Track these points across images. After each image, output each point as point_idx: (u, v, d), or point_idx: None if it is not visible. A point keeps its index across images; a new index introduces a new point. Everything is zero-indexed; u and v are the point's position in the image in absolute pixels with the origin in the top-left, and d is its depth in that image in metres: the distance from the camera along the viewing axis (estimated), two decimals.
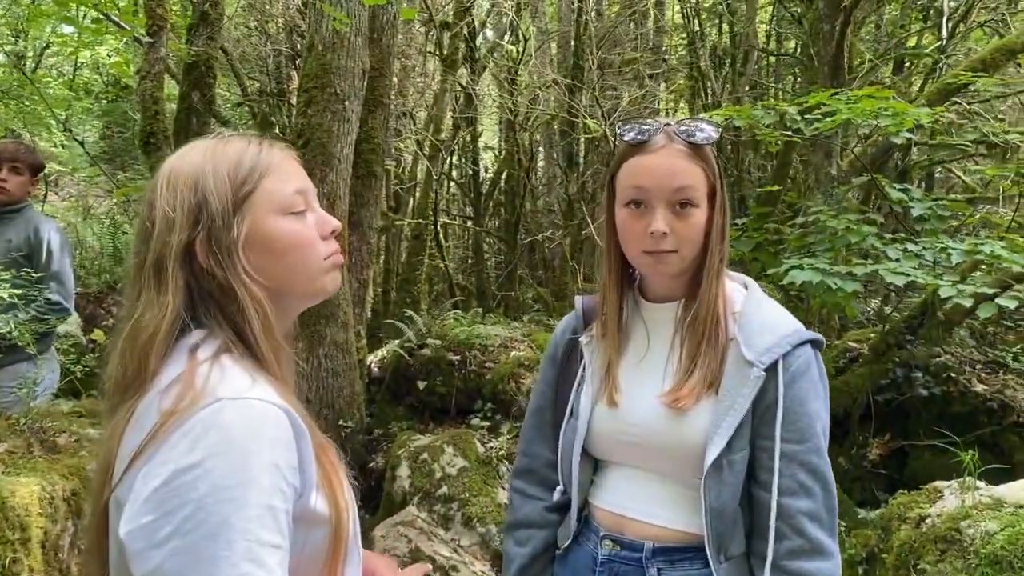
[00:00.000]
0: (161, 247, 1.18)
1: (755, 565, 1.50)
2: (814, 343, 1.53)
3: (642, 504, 1.60)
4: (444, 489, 4.65)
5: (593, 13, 8.73)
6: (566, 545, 1.73)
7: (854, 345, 5.60)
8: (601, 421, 1.63)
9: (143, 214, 1.24)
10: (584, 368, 1.70)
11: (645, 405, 1.58)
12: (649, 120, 1.59)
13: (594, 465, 1.70)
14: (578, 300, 1.83)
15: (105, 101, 13.02)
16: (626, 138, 1.57)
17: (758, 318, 1.55)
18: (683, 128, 1.55)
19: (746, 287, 1.66)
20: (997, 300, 3.72)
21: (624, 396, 1.61)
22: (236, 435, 1.04)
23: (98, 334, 5.13)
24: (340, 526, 1.18)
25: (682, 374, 1.56)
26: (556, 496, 1.76)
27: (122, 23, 5.87)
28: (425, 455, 4.83)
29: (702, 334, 1.56)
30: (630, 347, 1.67)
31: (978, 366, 4.95)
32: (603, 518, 1.65)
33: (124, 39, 7.11)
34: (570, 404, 1.71)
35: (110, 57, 10.60)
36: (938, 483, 3.23)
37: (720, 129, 1.59)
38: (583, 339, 1.72)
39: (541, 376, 1.85)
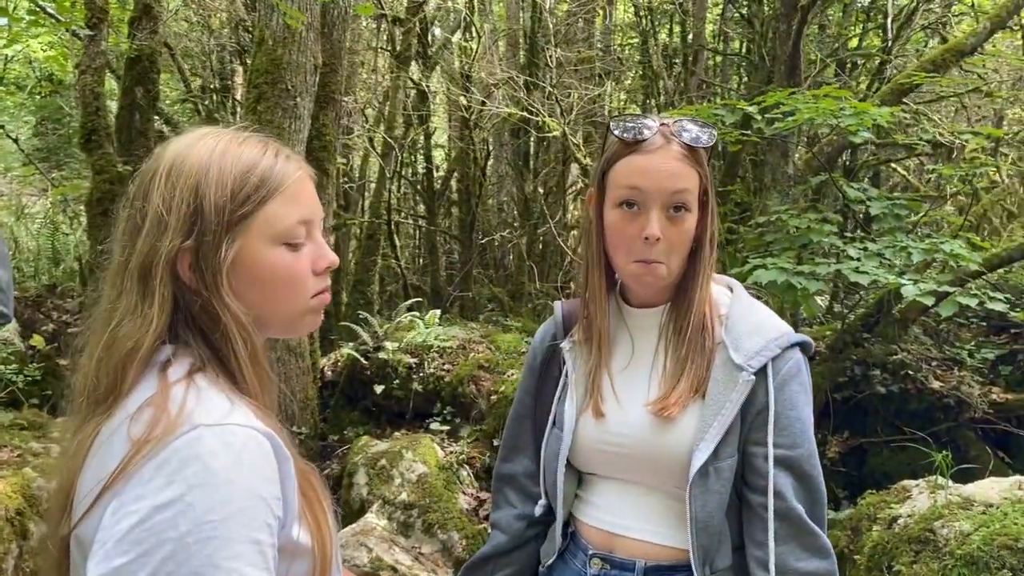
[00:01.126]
0: (149, 249, 1.07)
1: (756, 573, 1.43)
2: (802, 346, 1.48)
3: (631, 520, 1.54)
4: (404, 496, 4.54)
5: (547, 12, 8.66)
6: (550, 562, 1.66)
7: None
8: (586, 431, 1.56)
9: (135, 202, 1.11)
10: (566, 375, 1.63)
11: (632, 415, 1.52)
12: (642, 116, 1.52)
13: (578, 478, 1.63)
14: (557, 305, 1.76)
15: (39, 97, 12.56)
16: (620, 134, 1.49)
17: (745, 321, 1.50)
18: (680, 129, 1.48)
19: (731, 289, 1.60)
20: (958, 298, 3.75)
21: (610, 405, 1.55)
22: (217, 466, 0.94)
23: (37, 340, 4.90)
24: (325, 558, 1.10)
25: (669, 382, 1.50)
26: (538, 510, 1.68)
27: (58, 15, 5.62)
28: (383, 461, 4.72)
29: (688, 340, 1.50)
30: (615, 354, 1.60)
31: (934, 363, 5.02)
32: (591, 535, 1.58)
33: (59, 32, 6.82)
34: (552, 413, 1.64)
35: (44, 51, 10.21)
36: (906, 482, 3.24)
37: (715, 133, 1.52)
38: (564, 345, 1.65)
39: (521, 384, 1.78)
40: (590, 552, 1.56)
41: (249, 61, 6.14)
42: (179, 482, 0.92)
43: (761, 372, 1.43)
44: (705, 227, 1.51)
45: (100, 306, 1.12)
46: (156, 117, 6.50)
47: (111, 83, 8.02)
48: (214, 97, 9.39)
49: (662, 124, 1.49)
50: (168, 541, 0.90)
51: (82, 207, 8.09)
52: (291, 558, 1.05)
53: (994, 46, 7.77)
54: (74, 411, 1.09)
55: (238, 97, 8.99)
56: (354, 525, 4.41)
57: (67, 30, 5.65)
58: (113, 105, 6.46)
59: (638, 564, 1.51)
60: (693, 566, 1.44)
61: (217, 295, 1.07)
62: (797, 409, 1.43)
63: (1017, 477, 3.07)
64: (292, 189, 1.13)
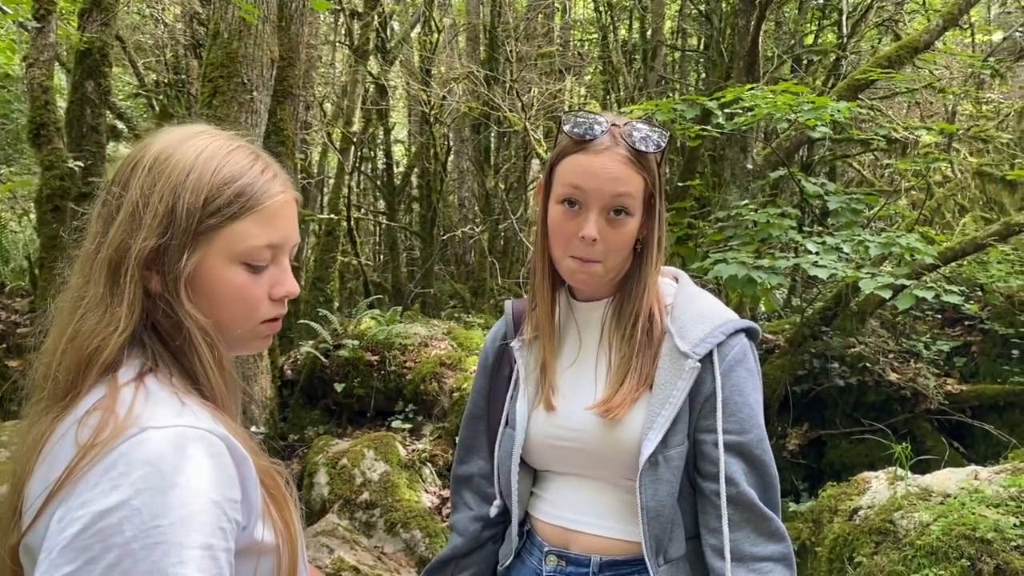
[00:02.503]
0: (120, 242, 1.03)
1: (712, 560, 1.43)
2: (749, 332, 1.48)
3: (586, 515, 1.53)
4: (365, 495, 4.50)
5: (507, 6, 8.64)
6: (508, 563, 1.65)
7: (770, 337, 5.70)
8: (538, 427, 1.55)
9: (112, 188, 1.07)
10: (517, 373, 1.62)
11: (580, 410, 1.51)
12: (594, 115, 1.49)
13: (533, 476, 1.63)
14: (508, 304, 1.76)
15: None
16: (569, 131, 1.47)
17: (691, 309, 1.49)
18: (630, 131, 1.46)
19: (677, 280, 1.60)
20: (914, 291, 3.80)
21: (561, 399, 1.54)
22: (166, 468, 0.91)
23: None
24: (293, 554, 1.08)
25: (615, 381, 1.49)
26: (493, 511, 1.67)
27: (4, 7, 5.46)
28: (344, 460, 4.67)
29: (633, 335, 1.49)
30: (564, 348, 1.60)
31: (891, 355, 5.09)
32: (547, 532, 1.57)
33: (5, 24, 6.64)
34: (505, 412, 1.63)
35: None
36: (866, 474, 3.28)
37: (667, 136, 1.50)
38: (514, 344, 1.64)
39: (474, 385, 1.77)
40: (545, 549, 1.55)
41: (204, 55, 6.04)
42: (125, 486, 0.89)
43: (707, 359, 1.42)
44: (651, 230, 1.50)
45: (67, 292, 1.08)
46: (108, 112, 6.35)
47: (60, 76, 7.82)
48: (168, 91, 9.21)
49: (613, 125, 1.46)
50: (114, 547, 0.87)
51: (31, 203, 7.89)
52: (257, 557, 1.03)
53: (944, 44, 7.91)
54: (31, 403, 1.05)
55: (193, 91, 8.84)
56: (315, 525, 4.36)
57: (14, 22, 5.49)
58: (62, 99, 6.29)
59: (593, 560, 1.50)
60: (646, 556, 1.43)
61: (177, 301, 1.04)
62: (744, 394, 1.41)
63: (973, 467, 3.13)
64: (268, 211, 1.09)
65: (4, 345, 4.83)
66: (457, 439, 1.80)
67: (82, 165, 5.49)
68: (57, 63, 6.58)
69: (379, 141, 10.08)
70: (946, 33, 6.60)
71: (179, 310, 1.04)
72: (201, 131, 1.12)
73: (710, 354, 1.42)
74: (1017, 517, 2.55)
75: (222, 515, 0.94)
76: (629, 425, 1.45)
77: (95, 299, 1.03)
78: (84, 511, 0.88)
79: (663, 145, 1.46)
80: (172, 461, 0.92)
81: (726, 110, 4.44)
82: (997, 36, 9.14)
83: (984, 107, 8.37)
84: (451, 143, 9.64)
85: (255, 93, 4.97)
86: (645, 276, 1.50)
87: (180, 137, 1.09)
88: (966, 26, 8.72)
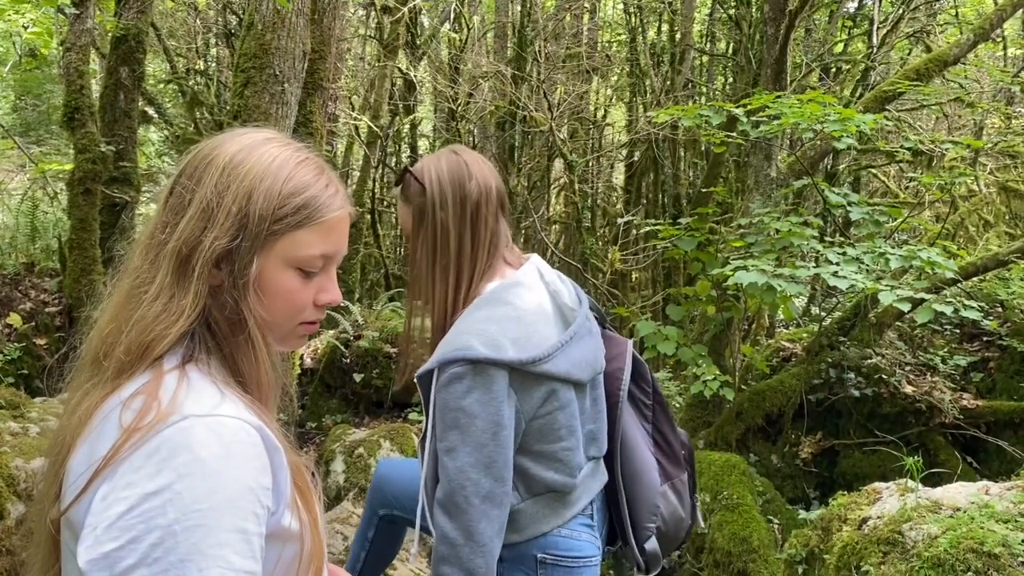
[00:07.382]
0: (190, 236, 1.08)
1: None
2: (473, 361, 1.64)
3: None
4: None
5: (537, 5, 8.66)
6: None
7: (787, 345, 5.71)
8: None
9: (182, 180, 1.12)
10: None
11: None
12: None
13: None
14: None
15: (19, 71, 12.38)
16: None
17: (449, 333, 1.72)
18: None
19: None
20: (933, 305, 3.81)
21: None
22: (206, 455, 0.96)
23: (14, 319, 4.85)
24: (316, 544, 1.13)
25: None
26: None
27: None
28: (361, 449, 4.73)
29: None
30: None
31: (907, 368, 5.09)
32: None
33: (43, 9, 6.74)
34: None
35: (26, 27, 10.08)
36: (877, 484, 3.30)
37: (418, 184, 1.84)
38: None
39: None
40: None
41: (236, 44, 6.11)
42: (168, 471, 0.94)
43: (429, 378, 1.67)
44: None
45: (126, 274, 1.12)
46: (140, 97, 6.45)
47: (94, 61, 7.92)
48: (199, 79, 9.31)
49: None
50: (157, 528, 0.91)
51: (62, 185, 8.01)
52: (282, 543, 1.08)
53: (976, 56, 7.87)
54: (82, 377, 1.09)
55: (223, 79, 8.94)
56: (330, 512, 4.42)
57: (57, 10, 5.58)
58: (96, 84, 6.39)
59: None
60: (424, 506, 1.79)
61: (244, 300, 1.09)
62: (444, 412, 1.65)
63: (984, 482, 3.14)
64: (328, 224, 1.15)
65: (33, 323, 4.93)
66: None
67: (114, 149, 5.59)
68: (92, 48, 6.68)
69: (404, 135, 10.14)
70: (978, 46, 6.57)
71: (244, 308, 1.09)
72: (272, 137, 1.17)
73: (432, 374, 1.66)
74: None
75: (256, 501, 0.99)
76: None
77: (161, 288, 1.08)
78: (129, 492, 0.93)
79: (413, 180, 1.83)
80: (212, 448, 0.97)
81: (752, 118, 4.46)
82: None
83: (1013, 122, 8.31)
84: (476, 139, 9.68)
85: (286, 85, 5.03)
86: (419, 292, 1.91)
87: (253, 142, 1.14)
88: (999, 39, 8.66)
